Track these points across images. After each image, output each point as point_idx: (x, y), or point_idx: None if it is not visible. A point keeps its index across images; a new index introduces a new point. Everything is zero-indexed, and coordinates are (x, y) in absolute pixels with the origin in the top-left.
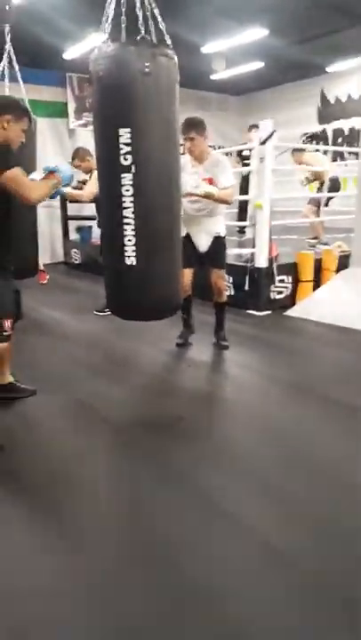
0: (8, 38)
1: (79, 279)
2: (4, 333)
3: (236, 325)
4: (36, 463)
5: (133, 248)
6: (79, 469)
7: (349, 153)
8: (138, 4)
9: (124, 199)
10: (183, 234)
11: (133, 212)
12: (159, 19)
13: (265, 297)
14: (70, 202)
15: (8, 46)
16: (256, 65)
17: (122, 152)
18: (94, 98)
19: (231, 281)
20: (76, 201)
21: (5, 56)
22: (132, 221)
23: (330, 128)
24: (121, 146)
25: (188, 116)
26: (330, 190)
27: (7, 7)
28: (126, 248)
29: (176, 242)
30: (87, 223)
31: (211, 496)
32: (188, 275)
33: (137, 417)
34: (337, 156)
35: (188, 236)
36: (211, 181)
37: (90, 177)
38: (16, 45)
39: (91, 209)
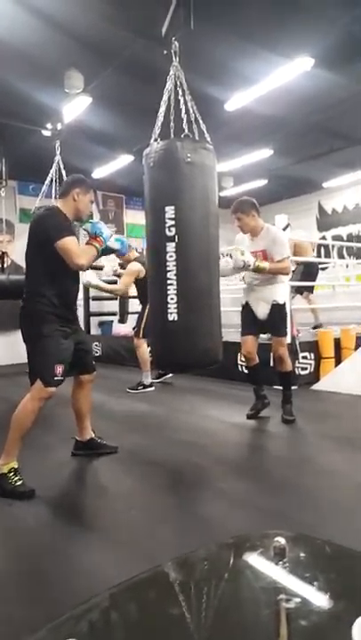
0: (58, 152)
1: (104, 368)
2: (55, 378)
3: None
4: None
5: (175, 305)
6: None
7: (349, 255)
8: (183, 111)
9: (168, 263)
10: (243, 302)
11: (175, 274)
12: (200, 121)
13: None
14: (93, 299)
15: (57, 158)
16: (261, 182)
17: (167, 225)
18: (146, 183)
19: None
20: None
21: (54, 166)
22: (175, 282)
23: (329, 235)
24: (166, 220)
25: None
26: (304, 276)
27: (60, 126)
28: (169, 305)
29: (214, 299)
30: (109, 319)
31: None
32: (249, 342)
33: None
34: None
35: (247, 305)
36: (265, 254)
37: (125, 270)
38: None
39: (110, 306)
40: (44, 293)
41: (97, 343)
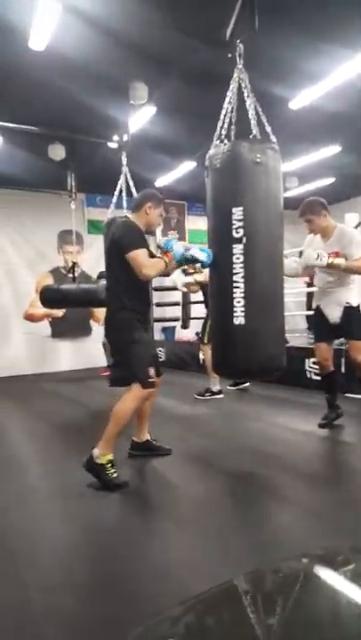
0: (124, 163)
1: (168, 373)
2: (150, 380)
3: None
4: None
5: (242, 309)
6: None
7: None
8: (249, 113)
9: (234, 266)
10: (313, 306)
11: (243, 277)
12: (265, 122)
13: None
14: (157, 305)
15: (124, 169)
16: (327, 181)
17: (234, 226)
18: (210, 185)
19: None
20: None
21: (122, 177)
22: (242, 285)
23: None
24: (234, 221)
25: None
26: None
27: (125, 137)
28: (235, 309)
29: (279, 303)
30: (171, 324)
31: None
32: (324, 349)
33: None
34: None
35: (318, 309)
36: (338, 254)
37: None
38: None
39: (173, 312)
40: (128, 301)
41: (160, 348)
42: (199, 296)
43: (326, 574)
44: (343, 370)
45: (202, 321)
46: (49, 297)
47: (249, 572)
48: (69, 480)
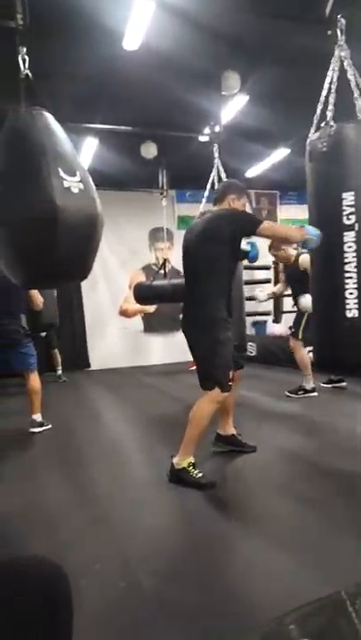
0: (217, 155)
1: (259, 368)
2: (230, 383)
3: None
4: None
5: (356, 300)
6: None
7: None
8: (356, 93)
9: (346, 255)
10: None
11: (356, 267)
12: None
13: None
14: (247, 299)
15: (216, 162)
16: None
17: (345, 213)
18: (313, 170)
19: None
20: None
21: (214, 170)
22: (355, 275)
23: None
24: (344, 207)
25: None
26: None
27: (217, 129)
28: (348, 301)
29: None
30: (263, 318)
31: None
32: None
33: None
34: None
35: None
36: None
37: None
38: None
39: (265, 306)
40: (215, 300)
41: (251, 343)
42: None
43: None
44: None
45: (294, 315)
46: (142, 294)
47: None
48: (165, 470)
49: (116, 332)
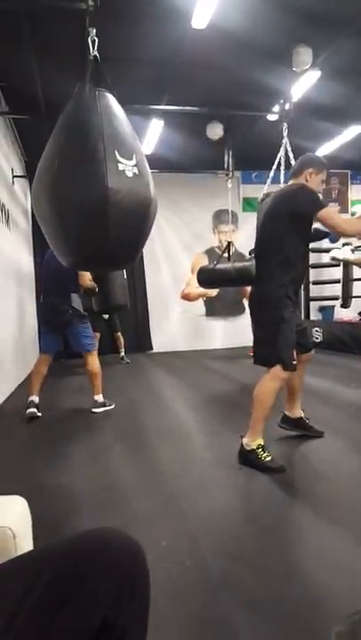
0: (285, 134)
1: (326, 355)
2: (293, 362)
3: None
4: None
5: None
6: None
7: None
8: None
9: None
10: None
11: None
12: None
13: None
14: (313, 283)
15: (285, 140)
16: None
17: None
18: None
19: None
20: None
21: (282, 149)
22: None
23: None
24: None
25: None
26: None
27: (287, 107)
28: None
29: None
30: (330, 303)
31: None
32: None
33: None
34: None
35: None
36: None
37: None
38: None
39: (332, 290)
40: (281, 278)
41: (317, 329)
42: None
43: None
44: None
45: None
46: (205, 277)
47: None
48: (230, 452)
49: (178, 316)
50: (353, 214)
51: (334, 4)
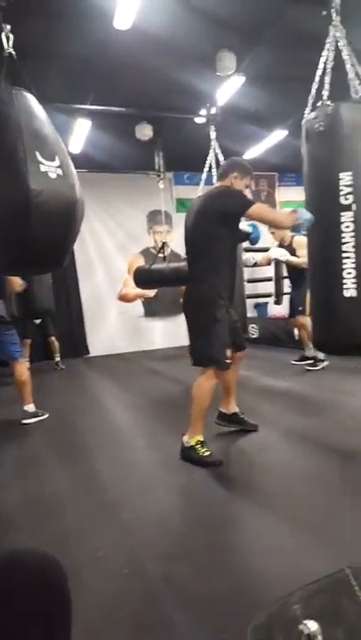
0: (213, 137)
1: (262, 350)
2: (226, 361)
3: None
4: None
5: (354, 280)
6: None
7: None
8: (351, 73)
9: (343, 235)
10: None
11: (354, 247)
12: None
13: None
14: (248, 281)
15: (213, 143)
16: None
17: (342, 193)
18: (311, 150)
19: None
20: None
21: (211, 152)
22: (353, 255)
23: None
24: (342, 187)
25: None
26: None
27: (213, 111)
28: (345, 281)
29: None
30: (264, 300)
31: None
32: None
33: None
34: None
35: None
36: None
37: (294, 245)
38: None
39: (265, 288)
40: (212, 278)
41: (253, 325)
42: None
43: None
44: None
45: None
46: (141, 278)
47: None
48: (171, 453)
49: (115, 318)
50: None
51: (254, 11)
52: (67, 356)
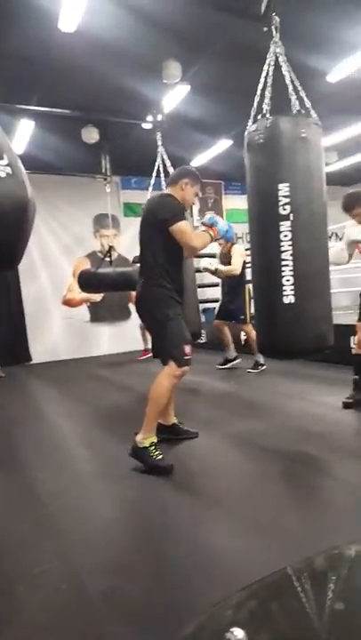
0: (160, 143)
1: (209, 354)
2: (186, 357)
3: None
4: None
5: (292, 287)
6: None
7: None
8: (290, 87)
9: (282, 243)
10: None
11: (292, 255)
12: (304, 97)
13: None
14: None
15: (160, 149)
16: None
17: (281, 203)
18: (252, 161)
19: None
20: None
21: (158, 158)
22: (291, 263)
23: None
24: (280, 198)
25: None
26: None
27: (160, 117)
28: (285, 288)
29: (327, 280)
30: (211, 305)
31: None
32: None
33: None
34: None
35: None
36: None
37: (232, 252)
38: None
39: (213, 293)
40: (162, 279)
41: (202, 331)
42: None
43: None
44: None
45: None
46: (87, 281)
47: (306, 558)
48: (116, 463)
49: (60, 323)
50: (203, 223)
51: (200, 21)
52: (6, 363)
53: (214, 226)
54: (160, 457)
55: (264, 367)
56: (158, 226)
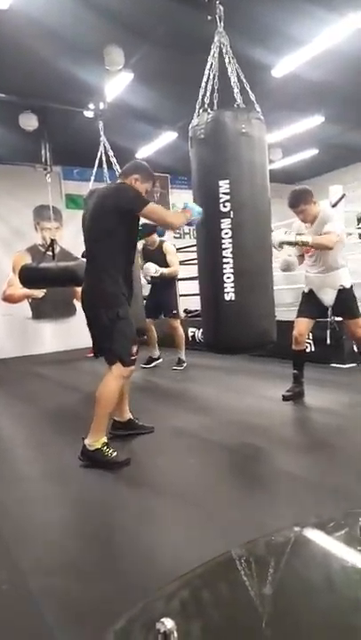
0: (102, 132)
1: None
2: (133, 358)
3: (325, 376)
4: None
5: (232, 284)
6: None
7: None
8: (231, 80)
9: (223, 241)
10: (305, 290)
11: (232, 252)
12: (249, 90)
13: (348, 349)
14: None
15: (102, 139)
16: (311, 152)
17: (221, 200)
18: (195, 157)
19: (312, 337)
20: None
21: (101, 148)
22: (231, 260)
23: None
24: (221, 195)
25: None
26: None
27: (102, 106)
28: (226, 285)
29: (269, 277)
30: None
31: None
32: (303, 325)
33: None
34: None
35: (310, 292)
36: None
37: (165, 251)
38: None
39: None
40: (113, 275)
41: None
42: (190, 273)
43: (321, 541)
44: (328, 342)
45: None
46: (28, 276)
47: (244, 544)
48: (61, 463)
49: (0, 320)
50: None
51: (143, 6)
52: None
53: (190, 210)
54: (115, 454)
55: (185, 364)
56: (120, 215)
